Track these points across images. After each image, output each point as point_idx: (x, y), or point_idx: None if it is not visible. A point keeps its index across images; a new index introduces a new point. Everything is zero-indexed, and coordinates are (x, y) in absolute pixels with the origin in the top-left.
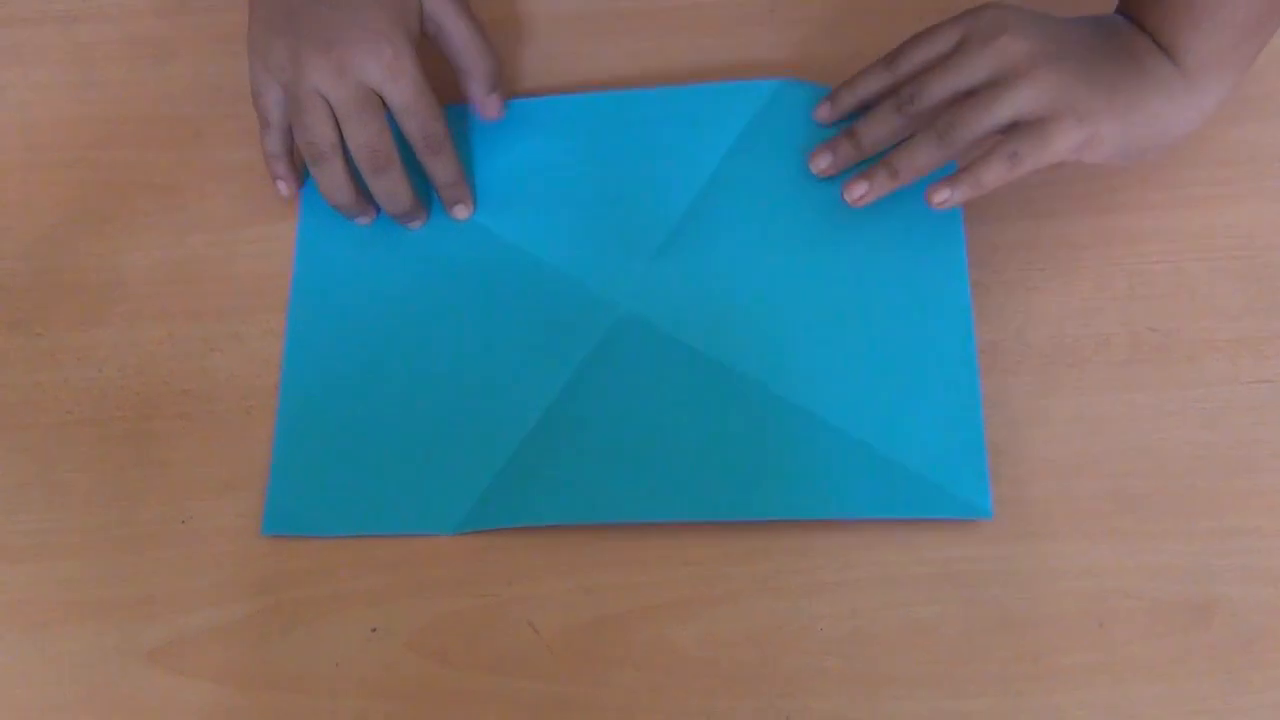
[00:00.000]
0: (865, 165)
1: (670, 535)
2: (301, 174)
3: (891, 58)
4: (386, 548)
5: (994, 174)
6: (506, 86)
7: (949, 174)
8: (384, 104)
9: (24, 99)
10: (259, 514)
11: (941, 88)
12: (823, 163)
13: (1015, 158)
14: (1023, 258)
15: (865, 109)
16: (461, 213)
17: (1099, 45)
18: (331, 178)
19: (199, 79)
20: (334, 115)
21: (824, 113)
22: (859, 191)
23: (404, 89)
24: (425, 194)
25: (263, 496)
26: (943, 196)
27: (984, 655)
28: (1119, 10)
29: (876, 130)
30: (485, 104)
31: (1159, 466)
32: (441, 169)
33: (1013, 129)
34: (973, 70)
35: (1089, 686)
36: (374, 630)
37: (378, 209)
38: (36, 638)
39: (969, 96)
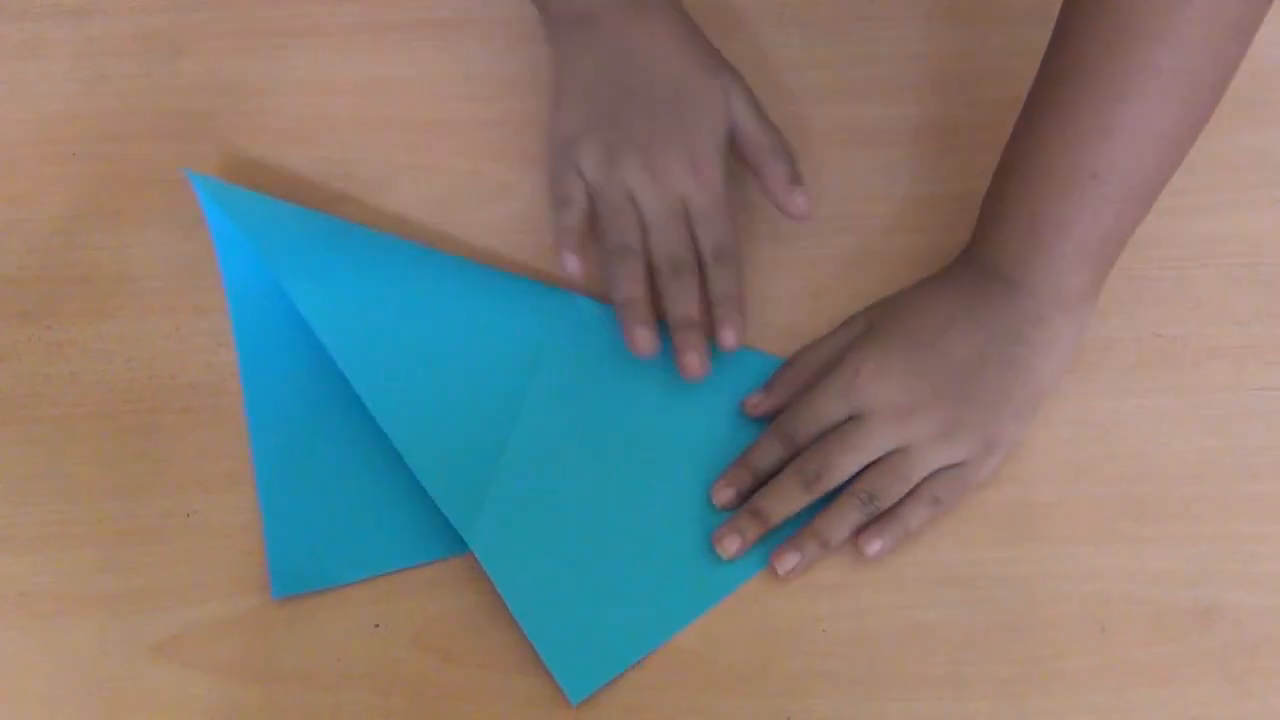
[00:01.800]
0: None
1: None
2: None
3: (782, 428)
4: None
5: (920, 519)
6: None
7: (876, 523)
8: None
9: (35, 93)
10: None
11: (849, 465)
12: (732, 547)
13: (938, 503)
14: None
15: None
16: (729, 338)
17: (978, 347)
18: (630, 274)
19: (210, 74)
20: (642, 216)
21: (723, 496)
22: (791, 563)
23: (707, 198)
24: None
25: None
26: (875, 548)
27: (986, 658)
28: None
29: (785, 507)
30: (789, 200)
31: (1163, 471)
32: (722, 281)
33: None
34: (876, 446)
35: (1091, 690)
36: (377, 626)
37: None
38: (41, 629)
39: (881, 465)
